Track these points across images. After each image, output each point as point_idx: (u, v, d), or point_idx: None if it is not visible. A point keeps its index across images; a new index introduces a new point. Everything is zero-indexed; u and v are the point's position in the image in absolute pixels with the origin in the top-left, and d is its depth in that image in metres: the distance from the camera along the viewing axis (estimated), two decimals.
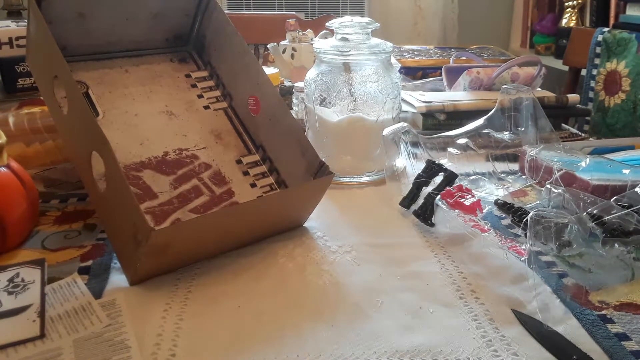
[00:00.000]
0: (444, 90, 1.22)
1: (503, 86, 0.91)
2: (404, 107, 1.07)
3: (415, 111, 1.06)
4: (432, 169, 0.75)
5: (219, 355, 0.48)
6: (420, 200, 0.73)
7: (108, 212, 0.61)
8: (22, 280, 0.57)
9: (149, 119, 0.74)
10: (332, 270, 0.61)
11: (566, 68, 1.73)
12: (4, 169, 0.64)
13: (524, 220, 0.60)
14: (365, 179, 0.85)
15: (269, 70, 1.17)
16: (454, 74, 1.20)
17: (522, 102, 0.88)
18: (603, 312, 0.53)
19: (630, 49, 1.43)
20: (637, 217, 0.61)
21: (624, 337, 0.50)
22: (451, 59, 1.40)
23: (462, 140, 0.86)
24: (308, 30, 1.42)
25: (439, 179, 0.74)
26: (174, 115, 0.76)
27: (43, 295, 0.54)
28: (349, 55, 0.83)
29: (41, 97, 0.71)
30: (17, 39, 0.90)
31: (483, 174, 0.85)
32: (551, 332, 0.50)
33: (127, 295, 0.56)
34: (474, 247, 0.65)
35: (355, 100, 0.83)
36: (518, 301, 0.55)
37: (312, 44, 1.33)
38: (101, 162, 0.58)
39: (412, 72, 1.41)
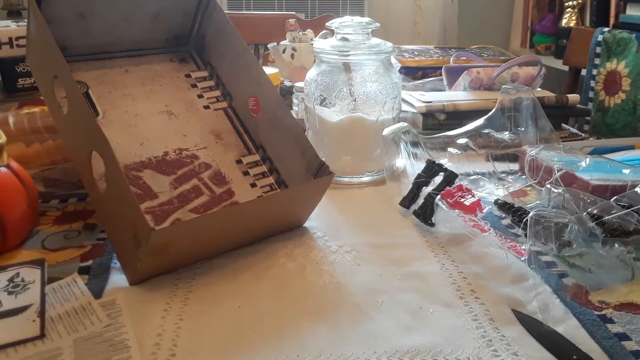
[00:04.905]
0: (444, 90, 1.22)
1: (503, 86, 0.91)
2: (404, 107, 1.07)
3: (415, 111, 1.06)
4: (432, 169, 0.75)
5: (219, 355, 0.48)
6: (420, 200, 0.73)
7: (108, 212, 0.61)
8: (22, 280, 0.57)
9: (149, 119, 0.74)
10: (332, 270, 0.61)
11: (566, 68, 1.73)
12: (4, 169, 0.64)
13: (524, 220, 0.60)
14: (365, 179, 0.85)
15: (269, 70, 1.17)
16: (454, 74, 1.20)
17: (522, 102, 0.88)
18: (603, 312, 0.53)
19: (630, 49, 1.43)
20: (637, 217, 0.61)
21: (624, 337, 0.50)
22: (451, 59, 1.40)
23: (462, 140, 0.86)
24: (308, 30, 1.42)
25: (439, 179, 0.74)
26: (174, 115, 0.76)
27: (43, 295, 0.54)
28: (349, 55, 0.83)
29: (41, 97, 0.71)
30: (17, 39, 0.90)
31: (483, 174, 0.84)
32: (551, 332, 0.50)
33: (127, 295, 0.56)
34: (474, 247, 0.65)
35: (355, 100, 0.83)
36: (518, 301, 0.55)
37: (312, 44, 1.33)
38: (101, 162, 0.58)
39: (412, 72, 1.41)
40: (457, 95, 1.11)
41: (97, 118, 0.71)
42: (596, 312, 0.53)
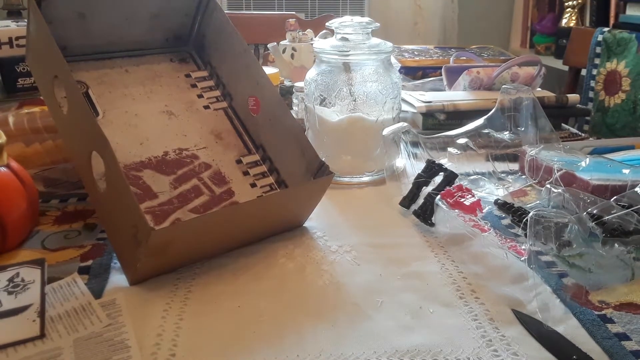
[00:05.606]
0: (444, 90, 1.22)
1: (503, 86, 0.91)
2: (404, 107, 1.07)
3: (415, 111, 1.06)
4: (432, 169, 0.75)
5: (219, 355, 0.48)
6: (420, 200, 0.73)
7: (108, 212, 0.61)
8: (22, 280, 0.57)
9: (149, 119, 0.74)
10: (332, 270, 0.61)
11: (566, 68, 1.73)
12: (4, 169, 0.64)
13: (524, 220, 0.60)
14: (365, 179, 0.85)
15: (269, 70, 1.17)
16: (454, 74, 1.20)
17: (522, 102, 0.88)
18: (603, 312, 0.53)
19: (630, 49, 1.43)
20: (637, 217, 0.61)
21: (624, 337, 0.50)
22: (451, 59, 1.40)
23: (462, 140, 0.86)
24: (308, 30, 1.42)
25: (439, 179, 0.74)
26: (174, 115, 0.76)
27: (43, 295, 0.54)
28: (349, 55, 0.83)
29: (41, 97, 0.71)
30: (17, 39, 0.89)
31: (483, 174, 0.84)
32: (551, 332, 0.50)
33: (127, 295, 0.56)
34: (474, 247, 0.65)
35: (355, 100, 0.83)
36: (518, 301, 0.55)
37: (312, 44, 1.33)
38: (101, 162, 0.58)
39: (412, 72, 1.41)
40: (457, 95, 1.11)
41: (97, 118, 0.71)
42: (596, 312, 0.53)
